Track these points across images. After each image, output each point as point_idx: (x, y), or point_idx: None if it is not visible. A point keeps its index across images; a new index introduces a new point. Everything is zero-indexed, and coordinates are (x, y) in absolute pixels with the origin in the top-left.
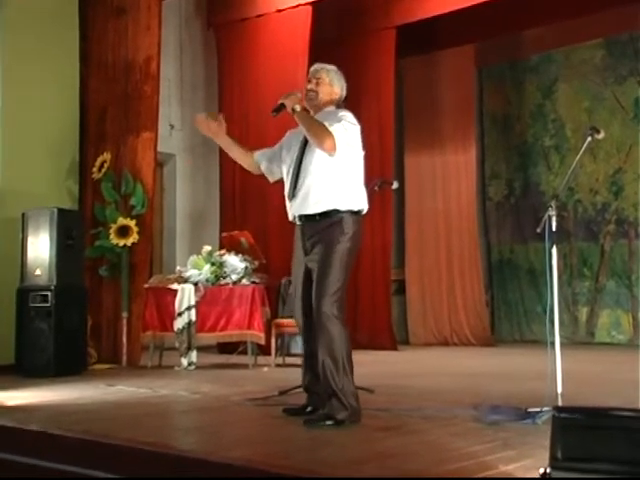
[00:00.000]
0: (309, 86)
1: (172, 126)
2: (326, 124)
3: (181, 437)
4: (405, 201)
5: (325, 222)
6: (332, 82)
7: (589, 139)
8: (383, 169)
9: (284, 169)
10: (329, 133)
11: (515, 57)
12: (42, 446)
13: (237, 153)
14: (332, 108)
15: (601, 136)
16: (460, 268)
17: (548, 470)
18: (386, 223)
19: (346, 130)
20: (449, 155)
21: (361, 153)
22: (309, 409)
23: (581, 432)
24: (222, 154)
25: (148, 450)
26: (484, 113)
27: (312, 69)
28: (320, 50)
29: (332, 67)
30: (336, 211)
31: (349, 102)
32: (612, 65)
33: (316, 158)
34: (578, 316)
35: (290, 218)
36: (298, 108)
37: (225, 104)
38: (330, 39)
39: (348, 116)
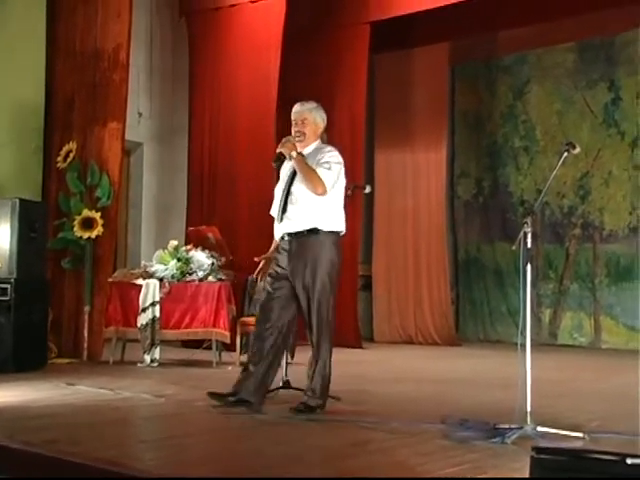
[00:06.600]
0: (296, 128)
1: (140, 114)
2: (319, 170)
3: (144, 451)
4: (374, 198)
5: (310, 237)
6: (315, 120)
7: (565, 154)
8: (354, 167)
9: (276, 190)
10: (321, 182)
11: (488, 57)
12: None
13: None
14: (318, 142)
15: (577, 151)
16: (427, 266)
17: None
18: (355, 219)
19: (338, 177)
20: (419, 153)
21: (343, 182)
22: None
23: (560, 475)
24: (191, 144)
25: (110, 471)
26: (455, 112)
27: (295, 111)
28: (293, 42)
29: (312, 105)
30: (317, 229)
31: (322, 98)
32: (583, 69)
33: (303, 189)
34: (542, 317)
35: (277, 238)
36: (294, 155)
37: (196, 94)
38: (304, 32)
39: (334, 157)
